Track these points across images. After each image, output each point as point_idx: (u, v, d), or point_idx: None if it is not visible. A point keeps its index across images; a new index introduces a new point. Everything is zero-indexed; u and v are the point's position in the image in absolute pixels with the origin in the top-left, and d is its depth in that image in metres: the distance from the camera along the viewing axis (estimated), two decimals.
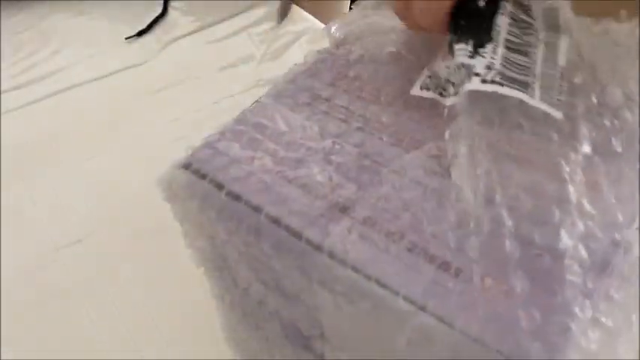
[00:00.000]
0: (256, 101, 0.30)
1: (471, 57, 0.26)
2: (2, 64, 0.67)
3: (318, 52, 0.33)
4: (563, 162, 0.24)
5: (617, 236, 0.22)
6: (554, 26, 0.28)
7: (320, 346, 0.28)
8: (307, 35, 0.69)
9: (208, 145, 0.28)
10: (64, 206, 0.52)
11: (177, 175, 0.27)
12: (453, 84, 0.27)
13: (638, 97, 0.26)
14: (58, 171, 0.55)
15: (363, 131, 0.28)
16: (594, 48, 0.28)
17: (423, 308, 0.21)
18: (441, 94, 0.28)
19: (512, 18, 0.27)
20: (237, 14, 0.72)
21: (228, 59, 0.66)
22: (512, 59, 0.26)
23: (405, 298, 0.21)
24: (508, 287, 0.21)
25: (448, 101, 0.27)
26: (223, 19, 0.72)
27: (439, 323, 0.21)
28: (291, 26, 0.69)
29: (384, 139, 0.28)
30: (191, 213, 0.27)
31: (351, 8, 0.82)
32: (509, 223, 0.23)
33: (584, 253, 0.22)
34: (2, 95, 0.63)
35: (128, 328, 0.43)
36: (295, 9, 0.72)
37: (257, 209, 0.25)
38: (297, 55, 0.66)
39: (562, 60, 0.27)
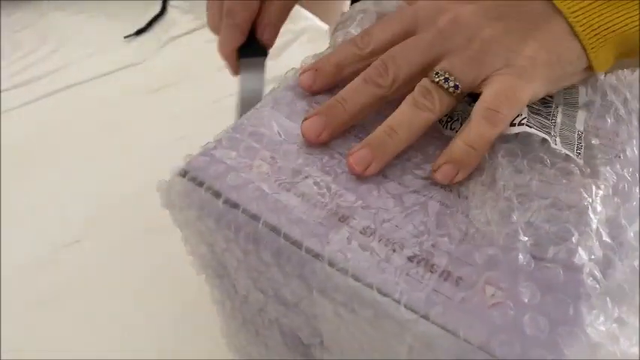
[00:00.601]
0: (254, 108, 0.30)
1: None
2: (1, 63, 0.67)
3: (315, 57, 0.32)
4: (584, 193, 0.24)
5: (636, 264, 0.23)
6: (572, 103, 0.29)
7: (319, 354, 0.28)
8: (307, 34, 0.69)
9: (205, 152, 0.28)
10: (64, 206, 0.52)
11: (175, 182, 0.27)
12: (462, 124, 0.28)
13: None
14: (57, 171, 0.55)
15: (359, 140, 0.28)
16: (632, 95, 0.29)
17: (425, 316, 0.21)
18: (443, 123, 0.29)
19: None
20: None
21: None
22: (535, 117, 0.27)
23: (407, 306, 0.21)
24: (515, 296, 0.21)
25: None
26: None
27: (442, 331, 0.21)
28: (290, 25, 0.69)
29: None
30: (190, 221, 0.27)
31: None
32: (524, 238, 0.23)
33: (599, 274, 0.22)
34: (2, 94, 0.63)
35: (127, 328, 0.43)
36: (295, 7, 0.72)
37: (255, 217, 0.25)
38: (296, 54, 0.66)
39: (580, 126, 0.28)
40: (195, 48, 0.69)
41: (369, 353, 0.24)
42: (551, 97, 0.29)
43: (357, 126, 0.29)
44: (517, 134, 0.26)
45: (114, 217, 0.50)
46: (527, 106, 0.28)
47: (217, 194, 0.26)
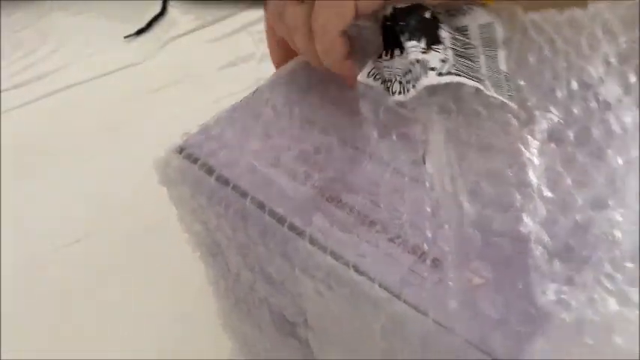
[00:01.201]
0: (255, 90, 0.31)
1: (424, 53, 0.26)
2: (1, 63, 0.67)
3: None
4: (522, 147, 0.24)
5: (578, 218, 0.22)
6: (491, 41, 0.28)
7: (304, 333, 0.28)
8: None
9: (202, 130, 0.28)
10: (64, 206, 0.52)
11: (171, 159, 0.27)
12: (400, 82, 0.27)
13: (594, 83, 0.27)
14: (57, 171, 0.55)
15: (353, 120, 0.28)
16: (560, 37, 0.28)
17: (397, 296, 0.21)
18: (387, 89, 0.28)
19: (452, 36, 0.28)
20: (236, 13, 0.72)
21: (228, 58, 0.66)
22: (461, 61, 0.26)
23: (381, 285, 0.22)
24: (465, 275, 0.21)
25: (399, 98, 0.27)
26: (223, 18, 0.72)
27: (413, 311, 0.21)
28: None
29: (373, 128, 0.27)
30: (184, 198, 0.28)
31: None
32: (470, 210, 0.23)
33: (546, 237, 0.22)
34: (2, 94, 0.63)
35: (128, 328, 0.43)
36: None
37: (244, 194, 0.25)
38: None
39: (503, 66, 0.27)
40: (196, 48, 0.69)
41: (348, 332, 0.24)
42: (468, 38, 0.28)
43: (351, 106, 0.28)
44: (447, 84, 0.25)
45: (114, 217, 0.50)
46: (451, 48, 0.27)
47: (210, 171, 0.26)
